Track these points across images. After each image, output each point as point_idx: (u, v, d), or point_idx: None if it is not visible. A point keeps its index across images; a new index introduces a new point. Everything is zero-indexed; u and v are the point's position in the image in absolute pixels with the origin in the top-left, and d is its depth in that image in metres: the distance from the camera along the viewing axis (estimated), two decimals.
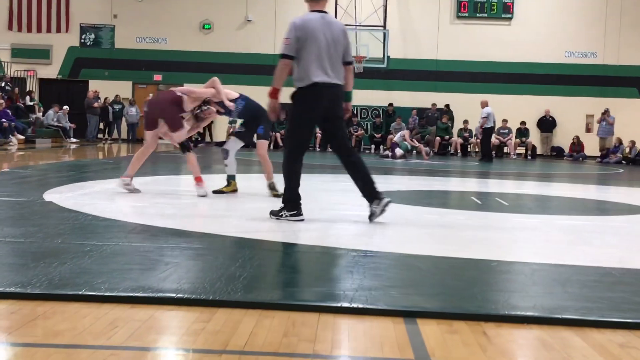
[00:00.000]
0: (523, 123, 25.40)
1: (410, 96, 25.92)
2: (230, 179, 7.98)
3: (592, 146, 24.88)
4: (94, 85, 26.26)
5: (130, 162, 7.89)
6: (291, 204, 5.98)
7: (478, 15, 26.17)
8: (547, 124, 26.06)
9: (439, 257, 4.58)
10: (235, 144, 8.04)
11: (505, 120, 24.70)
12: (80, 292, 3.28)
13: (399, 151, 20.43)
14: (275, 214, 6.00)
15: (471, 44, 25.85)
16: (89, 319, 2.96)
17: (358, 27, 25.02)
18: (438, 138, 25.01)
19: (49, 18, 26.72)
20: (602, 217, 7.82)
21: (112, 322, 2.92)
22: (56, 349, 2.60)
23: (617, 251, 5.25)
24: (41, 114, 23.93)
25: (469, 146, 25.25)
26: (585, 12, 25.95)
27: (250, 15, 26.16)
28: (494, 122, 21.39)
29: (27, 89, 25.71)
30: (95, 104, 24.89)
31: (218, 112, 8.03)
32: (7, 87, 23.13)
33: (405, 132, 21.56)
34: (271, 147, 23.45)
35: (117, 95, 25.76)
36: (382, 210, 5.99)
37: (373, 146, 25.40)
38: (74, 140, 23.03)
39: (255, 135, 8.10)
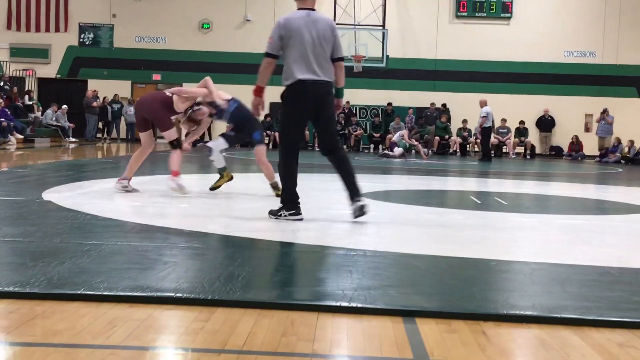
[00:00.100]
0: (522, 122, 25.41)
1: (409, 96, 25.92)
2: (221, 171, 8.00)
3: (591, 146, 24.89)
4: (92, 84, 26.25)
5: (128, 164, 7.88)
6: (289, 203, 5.98)
7: (477, 14, 26.17)
8: (546, 124, 26.07)
9: (438, 257, 4.58)
10: (219, 144, 7.96)
11: (504, 120, 24.71)
12: (79, 292, 3.28)
13: (398, 150, 20.44)
14: (274, 213, 6.00)
15: (470, 43, 25.86)
16: (87, 318, 2.96)
17: (357, 27, 25.02)
18: (437, 137, 25.01)
19: (48, 17, 26.70)
20: (601, 216, 7.82)
21: (111, 322, 2.92)
22: (55, 348, 2.59)
23: (616, 250, 5.25)
24: (40, 113, 23.92)
25: (467, 146, 25.24)
26: (584, 12, 25.96)
27: (249, 14, 26.16)
28: (493, 121, 21.41)
29: (26, 89, 25.69)
30: (94, 104, 24.88)
31: (210, 114, 7.98)
32: (6, 87, 23.11)
33: (404, 132, 21.56)
34: (270, 146, 23.53)
35: (116, 95, 25.76)
36: (360, 213, 5.94)
37: (372, 145, 25.39)
38: (73, 139, 23.02)
39: (252, 142, 8.04)
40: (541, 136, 26.22)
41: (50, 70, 26.73)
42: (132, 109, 25.26)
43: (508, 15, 26.12)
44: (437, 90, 26.01)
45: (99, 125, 25.62)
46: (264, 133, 8.21)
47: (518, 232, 6.09)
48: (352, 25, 25.07)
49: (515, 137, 25.33)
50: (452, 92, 25.92)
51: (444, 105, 25.76)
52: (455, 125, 25.54)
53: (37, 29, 26.67)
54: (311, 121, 6.10)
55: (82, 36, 26.80)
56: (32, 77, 26.50)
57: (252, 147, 8.19)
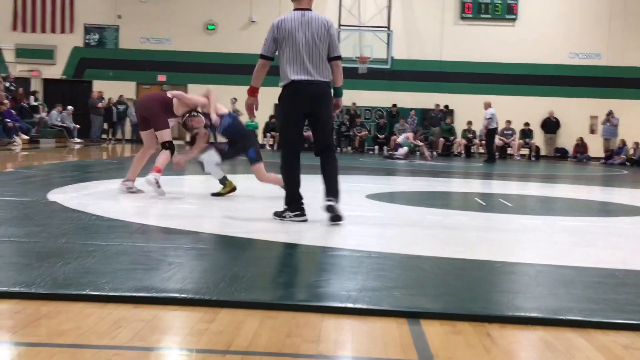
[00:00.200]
0: (527, 124, 25.38)
1: (414, 97, 25.90)
2: (223, 180, 7.82)
3: (596, 147, 24.85)
4: (98, 85, 26.29)
5: (131, 166, 7.88)
6: (293, 205, 5.98)
7: (482, 16, 26.15)
8: (551, 125, 26.02)
9: (443, 258, 4.57)
10: (212, 159, 7.75)
11: (509, 122, 24.69)
12: (84, 292, 3.28)
13: (403, 149, 20.47)
14: (278, 214, 6.00)
15: (475, 45, 25.83)
16: (93, 318, 2.97)
17: (362, 28, 25.02)
18: (442, 139, 24.99)
19: (53, 18, 26.76)
20: (606, 218, 7.81)
21: (116, 322, 2.92)
22: (60, 348, 2.60)
23: (621, 252, 5.24)
24: (45, 114, 23.97)
25: (472, 147, 25.21)
26: (589, 14, 25.91)
27: (254, 16, 26.17)
28: (497, 123, 21.40)
29: (32, 89, 25.75)
30: (99, 105, 24.92)
31: (205, 125, 7.92)
32: (12, 87, 23.17)
33: (410, 134, 21.60)
34: (274, 147, 23.55)
35: (121, 96, 25.79)
36: (331, 214, 5.84)
37: (377, 147, 25.38)
38: (78, 140, 23.06)
39: (249, 161, 7.84)
40: (546, 138, 26.18)
41: (55, 71, 26.79)
42: None
43: (513, 16, 26.09)
44: (442, 91, 25.98)
45: (104, 126, 25.65)
46: (260, 148, 7.98)
47: (523, 233, 6.09)
48: (357, 26, 25.06)
49: (520, 138, 25.29)
50: (457, 94, 25.89)
51: (446, 106, 25.72)
52: (459, 126, 25.52)
53: (43, 30, 26.73)
54: (308, 121, 6.07)
55: (87, 37, 26.85)
56: (37, 78, 26.55)
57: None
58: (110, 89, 25.83)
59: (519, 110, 25.15)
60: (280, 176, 7.77)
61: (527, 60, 25.78)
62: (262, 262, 4.48)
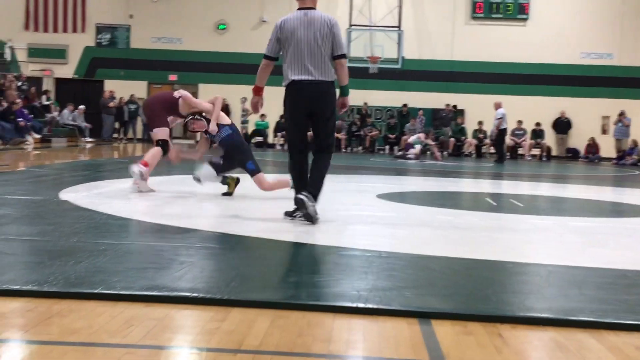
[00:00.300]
0: (538, 124, 25.30)
1: (425, 97, 25.87)
2: (225, 181, 7.79)
3: (607, 148, 24.75)
4: (109, 85, 26.39)
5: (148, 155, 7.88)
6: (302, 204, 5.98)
7: (493, 16, 26.09)
8: (562, 126, 25.94)
9: (454, 258, 4.57)
10: (208, 174, 7.68)
11: (520, 122, 24.63)
12: (96, 291, 3.30)
13: (417, 147, 20.49)
14: (289, 214, 6.01)
15: (486, 44, 25.78)
16: (104, 317, 2.98)
17: (373, 28, 25.00)
18: (452, 139, 24.94)
19: (65, 18, 26.88)
20: (617, 218, 7.78)
21: (127, 321, 2.93)
22: (72, 346, 2.61)
23: (633, 253, 5.22)
24: (57, 113, 24.08)
25: (483, 147, 25.15)
26: (601, 13, 25.81)
27: (265, 15, 26.19)
28: (507, 123, 21.35)
29: (44, 89, 25.87)
30: (111, 104, 25.01)
31: (205, 131, 7.90)
32: (24, 87, 23.28)
33: (421, 135, 21.63)
34: (284, 147, 23.53)
35: (132, 95, 25.87)
36: (300, 208, 5.73)
37: (387, 147, 25.36)
38: (90, 139, 23.15)
39: (248, 172, 7.78)
40: (557, 138, 26.10)
41: (67, 70, 26.91)
42: None
43: (524, 16, 26.02)
44: (453, 91, 25.94)
45: (115, 125, 25.74)
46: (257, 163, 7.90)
47: (534, 234, 6.07)
48: (368, 26, 25.05)
49: (531, 139, 25.22)
50: (468, 94, 25.84)
51: (454, 106, 25.65)
52: (470, 126, 25.46)
53: (55, 30, 26.86)
54: (308, 120, 6.00)
55: (99, 37, 26.96)
56: (49, 78, 26.67)
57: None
58: (122, 89, 25.93)
59: (530, 111, 25.08)
60: (282, 178, 7.77)
61: (539, 60, 25.70)
62: (272, 261, 4.49)
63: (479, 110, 24.98)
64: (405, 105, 25.83)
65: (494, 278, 4.09)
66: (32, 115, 21.47)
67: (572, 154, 25.83)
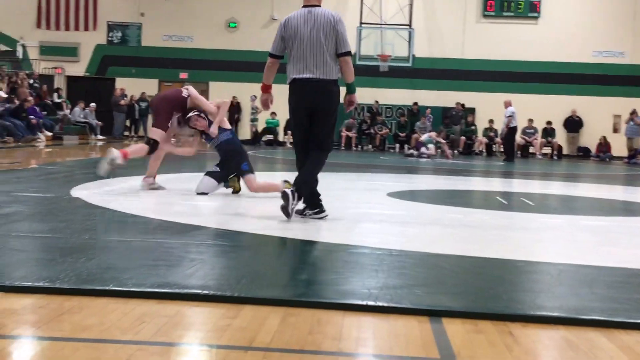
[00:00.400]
0: (549, 123, 25.21)
1: (435, 95, 25.82)
2: (227, 184, 7.77)
3: (619, 147, 24.62)
4: (120, 83, 26.47)
5: (149, 163, 7.91)
6: (310, 202, 6.00)
7: (504, 14, 26.00)
8: (573, 124, 25.84)
9: (464, 257, 4.56)
10: (211, 185, 7.63)
11: (531, 120, 24.54)
12: (107, 288, 3.31)
13: (430, 147, 20.51)
14: (299, 212, 6.01)
15: (497, 43, 25.70)
16: (116, 314, 2.99)
17: (383, 26, 24.97)
18: (463, 137, 24.89)
19: (77, 16, 26.98)
20: (629, 218, 7.74)
21: (139, 318, 2.94)
22: (84, 343, 2.62)
23: None
24: (68, 111, 24.17)
25: (494, 146, 25.07)
26: (613, 12, 25.68)
27: (275, 13, 26.20)
28: (516, 121, 21.28)
29: (55, 87, 25.97)
30: (122, 102, 25.09)
31: (203, 132, 7.91)
32: (36, 84, 23.38)
33: (433, 133, 21.62)
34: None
35: (143, 93, 25.93)
36: (284, 201, 5.70)
37: (398, 145, 25.32)
38: (101, 137, 23.23)
39: (241, 173, 7.75)
40: (568, 137, 26.00)
41: (79, 68, 27.01)
42: None
43: (536, 14, 25.92)
44: (464, 90, 25.86)
45: (126, 123, 25.82)
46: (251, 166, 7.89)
47: (544, 232, 6.05)
48: (379, 24, 25.03)
49: (542, 137, 25.13)
50: (478, 92, 25.77)
51: (462, 105, 25.56)
52: (481, 125, 25.40)
53: (67, 28, 26.96)
54: (307, 118, 5.96)
55: (110, 35, 27.04)
56: (61, 75, 26.78)
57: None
58: (133, 86, 26.00)
59: (541, 109, 24.99)
60: (274, 182, 7.71)
61: (550, 58, 25.60)
62: (283, 259, 4.50)
63: (490, 108, 24.89)
64: (415, 103, 25.78)
65: (504, 276, 4.09)
66: (45, 113, 21.56)
67: (583, 153, 25.73)
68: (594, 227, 6.46)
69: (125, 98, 25.31)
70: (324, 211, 6.01)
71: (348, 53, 5.91)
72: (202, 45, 26.49)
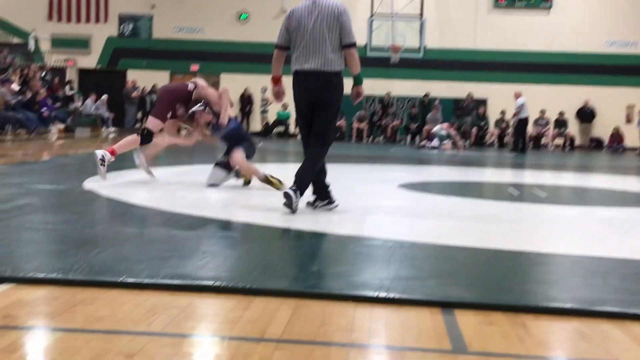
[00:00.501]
0: (562, 114, 25.07)
1: (447, 86, 25.72)
2: (238, 173, 7.77)
3: (632, 137, 24.47)
4: (132, 75, 26.51)
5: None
6: (319, 193, 6.00)
7: (516, 4, 25.86)
8: (586, 115, 25.69)
9: (476, 248, 4.55)
10: (221, 176, 7.63)
11: (543, 111, 24.42)
12: (120, 279, 3.32)
13: (446, 142, 20.52)
14: (310, 204, 6.02)
15: (509, 33, 25.56)
16: (128, 305, 3.00)
17: (394, 17, 24.89)
18: (474, 129, 24.79)
19: (88, 8, 27.02)
20: None
21: (151, 309, 2.95)
22: (96, 334, 2.63)
23: None
24: (80, 103, 24.24)
25: (505, 137, 24.97)
26: (626, 1, 25.49)
27: (286, 5, 26.12)
28: (527, 112, 21.16)
29: (67, 79, 26.05)
30: (133, 94, 25.14)
31: (209, 123, 7.88)
32: (47, 77, 23.45)
33: (445, 124, 21.58)
34: None
35: (154, 85, 25.94)
36: (285, 201, 5.70)
37: (409, 136, 25.25)
38: (113, 129, 23.30)
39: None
40: (581, 127, 25.86)
41: (90, 60, 27.07)
42: None
43: (548, 4, 25.76)
44: (475, 80, 25.75)
45: (137, 115, 25.87)
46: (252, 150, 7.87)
47: (557, 224, 6.03)
48: (390, 15, 24.94)
49: (554, 128, 25.00)
50: (490, 83, 25.65)
51: (471, 97, 25.41)
52: (493, 116, 25.30)
53: (78, 20, 27.01)
54: (309, 110, 5.92)
55: (121, 27, 27.07)
56: (72, 68, 26.86)
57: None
58: (144, 79, 26.03)
59: (553, 100, 24.86)
60: (252, 166, 7.65)
61: (562, 49, 25.46)
62: (294, 251, 4.50)
63: (502, 99, 24.77)
64: (426, 95, 25.69)
65: (516, 268, 4.07)
66: (57, 105, 21.64)
67: (596, 144, 25.59)
68: (607, 218, 6.43)
69: (136, 90, 25.36)
70: (334, 202, 6.01)
71: (352, 44, 5.84)
72: (214, 37, 26.48)
